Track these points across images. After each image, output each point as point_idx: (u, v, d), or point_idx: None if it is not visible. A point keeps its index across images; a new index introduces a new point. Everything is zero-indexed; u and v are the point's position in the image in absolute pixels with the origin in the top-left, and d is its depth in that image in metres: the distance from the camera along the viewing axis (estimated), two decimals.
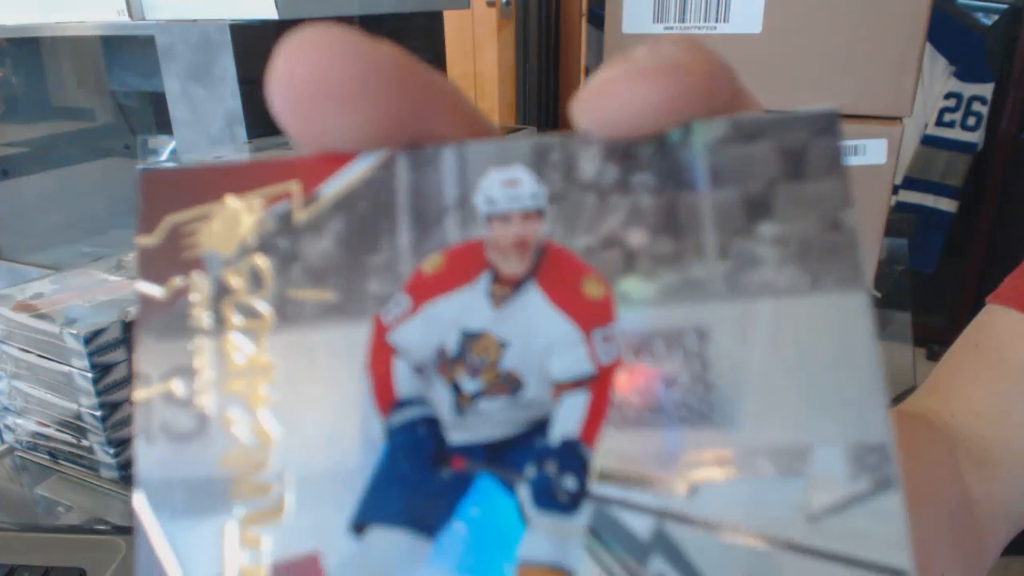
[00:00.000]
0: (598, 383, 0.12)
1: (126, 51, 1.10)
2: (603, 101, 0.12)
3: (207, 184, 0.12)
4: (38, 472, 0.62)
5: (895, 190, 1.12)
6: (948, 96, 2.00)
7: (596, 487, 0.11)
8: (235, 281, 0.12)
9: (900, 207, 2.05)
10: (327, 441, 0.12)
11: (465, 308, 0.12)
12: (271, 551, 0.11)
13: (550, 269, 0.12)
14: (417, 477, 0.12)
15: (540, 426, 0.12)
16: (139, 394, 0.12)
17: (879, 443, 0.11)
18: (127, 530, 0.53)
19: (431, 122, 0.12)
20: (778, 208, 0.12)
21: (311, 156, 0.12)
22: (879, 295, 0.89)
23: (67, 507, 0.58)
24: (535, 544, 0.11)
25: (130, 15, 0.91)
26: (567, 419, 0.12)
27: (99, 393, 0.55)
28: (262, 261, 0.12)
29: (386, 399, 0.12)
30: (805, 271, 0.11)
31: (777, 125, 0.12)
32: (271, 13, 0.85)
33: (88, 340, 0.53)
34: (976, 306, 0.36)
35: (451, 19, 1.21)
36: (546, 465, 0.11)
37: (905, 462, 0.32)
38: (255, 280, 0.12)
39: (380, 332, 0.12)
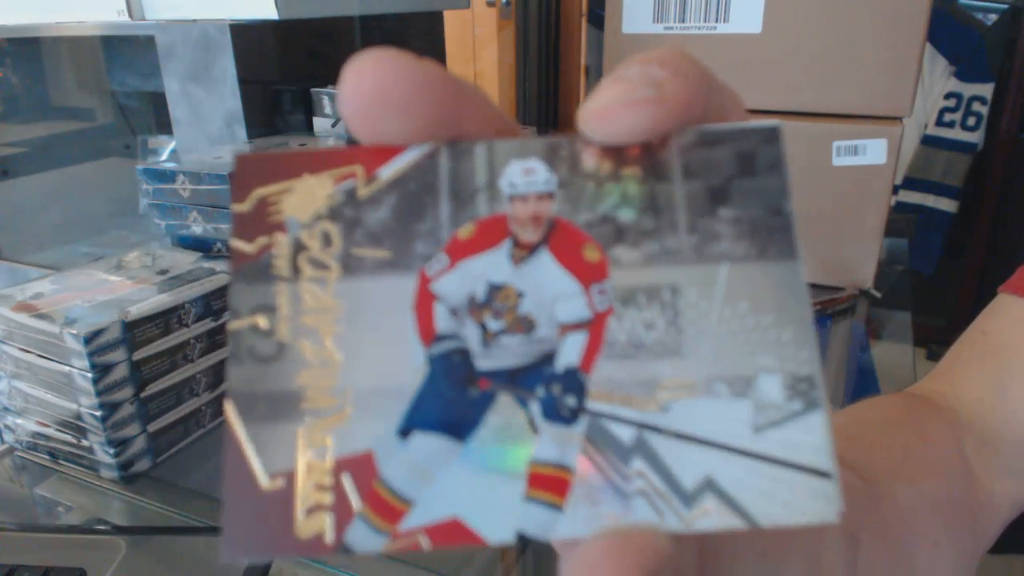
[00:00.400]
0: (594, 325, 0.15)
1: (126, 51, 1.10)
2: (603, 121, 0.15)
3: (288, 165, 0.15)
4: (38, 472, 0.62)
5: (895, 190, 1.11)
6: (948, 96, 2.00)
7: (591, 404, 0.14)
8: (309, 241, 0.15)
9: (900, 207, 2.05)
10: (381, 365, 0.15)
11: (491, 266, 0.15)
12: (334, 449, 0.14)
13: (558, 238, 0.15)
14: (452, 394, 0.15)
15: (548, 357, 0.15)
16: (231, 325, 0.15)
17: (808, 374, 0.14)
18: (127, 530, 0.53)
19: (466, 123, 0.15)
20: (734, 197, 0.15)
21: (371, 146, 0.15)
22: (879, 295, 0.89)
23: (67, 507, 0.58)
24: (543, 448, 0.14)
25: (130, 15, 0.91)
26: (569, 352, 0.15)
27: (99, 393, 0.55)
28: (331, 226, 0.15)
29: (428, 334, 0.15)
30: (754, 244, 0.15)
31: (733, 135, 0.16)
32: (271, 13, 0.85)
33: (88, 340, 0.53)
34: (976, 306, 0.36)
35: (451, 19, 1.21)
36: (552, 387, 0.15)
37: (907, 439, 0.32)
38: (325, 240, 0.15)
39: (424, 283, 0.15)
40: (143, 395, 0.58)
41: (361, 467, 0.14)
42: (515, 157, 0.15)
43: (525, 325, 0.15)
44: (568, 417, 0.14)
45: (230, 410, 0.14)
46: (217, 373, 0.65)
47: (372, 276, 0.15)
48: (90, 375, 0.54)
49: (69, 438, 0.59)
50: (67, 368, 0.55)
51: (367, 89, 0.14)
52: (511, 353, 0.15)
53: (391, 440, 0.14)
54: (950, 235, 2.09)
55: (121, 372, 0.56)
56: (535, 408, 0.14)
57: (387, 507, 0.14)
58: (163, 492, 0.58)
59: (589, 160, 0.15)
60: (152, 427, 0.59)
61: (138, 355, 0.57)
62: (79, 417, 0.57)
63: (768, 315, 0.15)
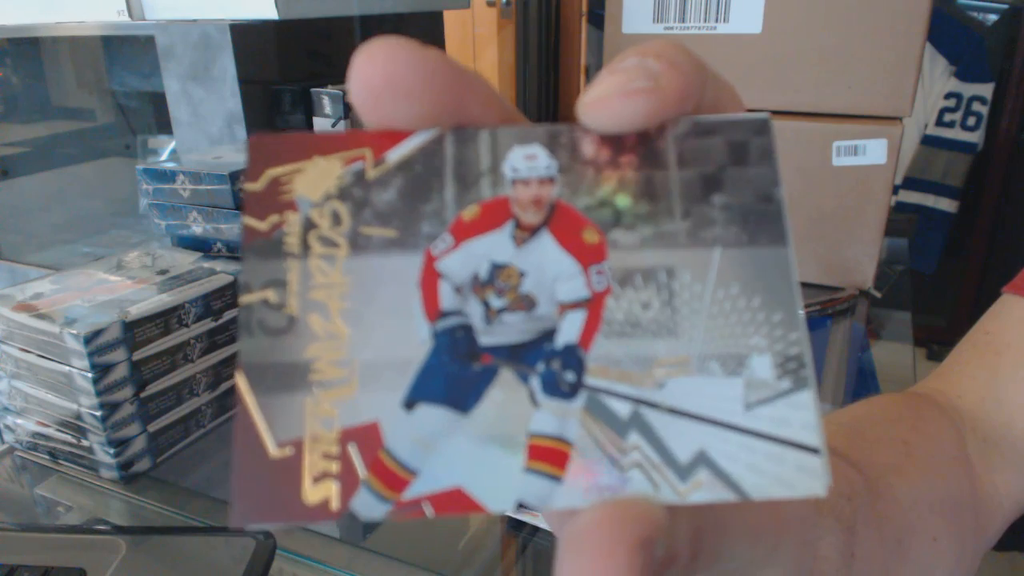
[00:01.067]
0: (592, 304, 0.15)
1: (126, 51, 1.10)
2: (600, 110, 0.15)
3: (300, 147, 0.16)
4: (38, 472, 0.62)
5: (895, 190, 1.11)
6: (948, 96, 2.00)
7: (590, 380, 0.15)
8: (319, 219, 0.16)
9: (900, 207, 2.05)
10: (387, 339, 0.15)
11: (494, 246, 0.16)
12: (340, 420, 0.14)
13: (558, 220, 0.16)
14: (455, 368, 0.15)
15: (548, 335, 0.15)
16: (243, 299, 0.15)
17: (797, 354, 0.15)
18: (127, 530, 0.53)
19: (470, 110, 0.16)
20: (726, 184, 0.16)
21: (380, 131, 0.16)
22: (879, 295, 0.89)
23: (67, 507, 0.58)
24: (543, 421, 0.15)
25: (130, 15, 0.91)
26: (569, 330, 0.15)
27: (99, 393, 0.55)
28: (341, 205, 0.16)
29: (433, 310, 0.15)
30: (746, 230, 0.16)
31: (726, 126, 0.16)
32: (271, 13, 0.85)
33: (88, 340, 0.53)
34: (976, 306, 0.37)
35: (451, 19, 1.21)
36: (552, 363, 0.15)
37: (909, 436, 0.33)
38: (335, 219, 0.16)
39: (430, 261, 0.15)
40: (143, 395, 0.58)
41: (367, 437, 0.14)
42: (517, 143, 0.16)
43: (526, 303, 0.15)
44: (567, 392, 0.15)
45: (241, 380, 0.15)
46: (217, 373, 0.65)
47: (379, 254, 0.15)
48: (90, 375, 0.54)
49: (69, 438, 0.59)
50: (67, 368, 0.55)
51: (376, 76, 0.15)
52: (513, 330, 0.15)
53: (396, 412, 0.15)
54: (950, 235, 2.09)
55: (121, 372, 0.56)
56: (535, 383, 0.15)
57: (392, 476, 0.14)
58: (163, 492, 0.58)
59: (588, 148, 0.16)
60: (152, 427, 0.59)
61: (138, 355, 0.57)
62: (79, 417, 0.57)
63: (759, 297, 0.15)
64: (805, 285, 0.89)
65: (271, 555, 0.48)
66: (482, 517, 0.57)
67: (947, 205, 2.05)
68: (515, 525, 0.54)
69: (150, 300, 0.59)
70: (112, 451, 0.57)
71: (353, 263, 0.15)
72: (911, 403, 0.34)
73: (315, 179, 0.16)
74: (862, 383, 0.76)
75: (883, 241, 0.87)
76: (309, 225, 0.15)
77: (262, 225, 0.15)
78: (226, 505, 0.57)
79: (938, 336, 1.97)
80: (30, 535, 0.51)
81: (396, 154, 0.16)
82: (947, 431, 0.32)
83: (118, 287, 0.61)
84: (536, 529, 0.54)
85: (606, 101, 0.15)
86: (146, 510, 0.57)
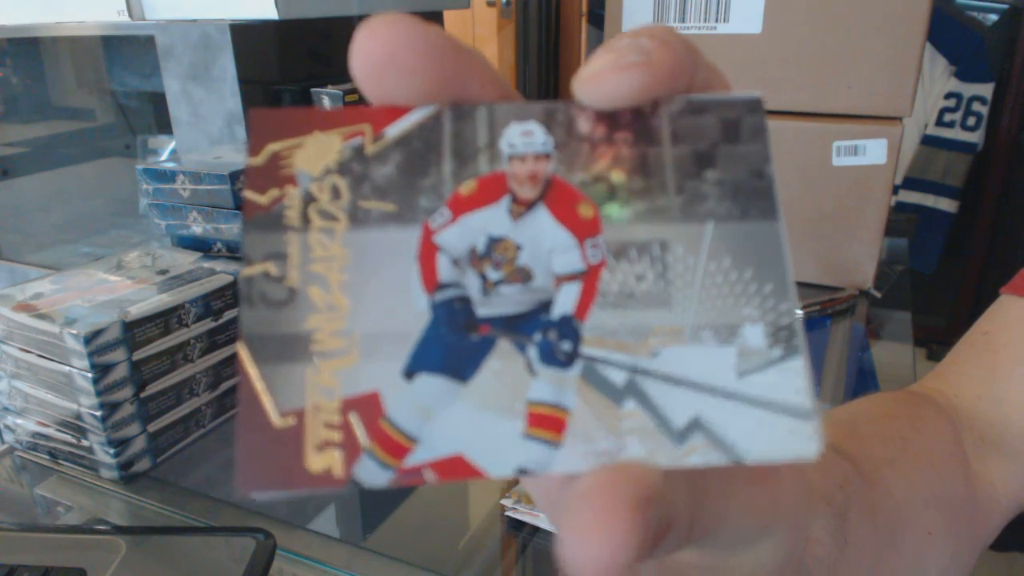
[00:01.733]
0: (588, 276, 0.16)
1: (126, 51, 1.10)
2: (595, 86, 0.16)
3: (300, 122, 0.16)
4: (38, 472, 0.62)
5: (895, 190, 1.11)
6: (948, 96, 2.00)
7: (585, 350, 0.15)
8: (319, 193, 0.16)
9: (900, 207, 2.05)
10: (386, 310, 0.15)
11: (491, 220, 0.16)
12: (341, 389, 0.15)
13: (554, 195, 0.16)
14: (454, 339, 0.15)
15: (545, 306, 0.16)
16: (244, 272, 0.15)
17: (788, 324, 0.15)
18: (127, 530, 0.53)
19: (469, 87, 0.16)
20: (719, 160, 0.16)
21: (379, 106, 0.16)
22: (879, 295, 0.89)
23: (67, 507, 0.58)
24: (540, 389, 0.15)
25: (130, 15, 0.91)
26: (565, 301, 0.16)
27: (99, 393, 0.55)
28: (340, 179, 0.16)
29: (431, 282, 0.16)
30: (738, 205, 0.16)
31: (719, 104, 0.17)
32: (271, 13, 0.85)
33: (88, 340, 0.53)
34: (976, 306, 0.37)
35: (451, 19, 1.21)
36: (549, 333, 0.15)
37: (905, 432, 0.33)
38: (334, 193, 0.16)
39: (428, 235, 0.16)
40: (143, 395, 0.58)
41: (367, 406, 0.15)
42: (514, 120, 0.16)
43: (523, 275, 0.16)
44: (564, 361, 0.15)
45: (243, 352, 0.15)
46: (217, 373, 0.65)
47: (378, 227, 0.16)
48: (90, 375, 0.54)
49: (69, 438, 0.59)
50: (67, 368, 0.55)
51: (377, 51, 0.15)
52: (510, 301, 0.16)
53: (396, 381, 0.15)
54: (950, 235, 2.09)
55: (121, 372, 0.56)
56: (532, 352, 0.15)
57: (393, 444, 0.14)
58: (163, 492, 0.58)
59: (584, 124, 0.16)
60: (152, 427, 0.59)
61: (138, 355, 0.57)
62: (79, 417, 0.57)
63: (750, 269, 0.16)
64: (805, 285, 0.89)
65: (271, 555, 0.48)
66: (482, 516, 0.57)
67: (947, 205, 2.06)
68: (515, 525, 0.54)
69: (150, 300, 0.59)
70: (112, 451, 0.57)
71: (352, 236, 0.16)
72: (908, 401, 0.34)
73: (315, 154, 0.16)
74: (862, 383, 0.76)
75: (883, 241, 0.87)
76: (309, 199, 0.16)
77: (263, 199, 0.16)
78: (226, 505, 0.57)
79: (938, 336, 1.97)
80: (30, 535, 0.51)
81: (395, 129, 0.16)
82: (944, 429, 0.32)
83: (118, 287, 0.61)
84: (536, 529, 0.54)
85: (600, 76, 0.16)
86: (146, 510, 0.57)
